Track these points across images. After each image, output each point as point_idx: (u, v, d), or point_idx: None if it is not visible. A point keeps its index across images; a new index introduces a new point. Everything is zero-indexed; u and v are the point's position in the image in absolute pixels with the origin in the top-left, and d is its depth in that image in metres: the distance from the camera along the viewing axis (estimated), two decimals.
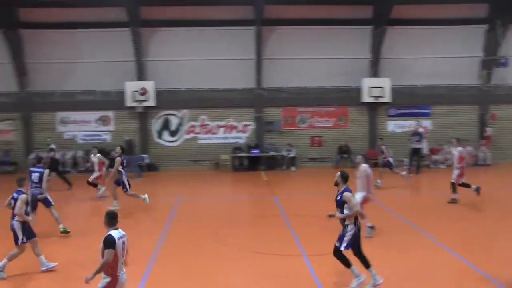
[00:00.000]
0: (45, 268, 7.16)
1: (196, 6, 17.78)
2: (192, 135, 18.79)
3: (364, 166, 8.71)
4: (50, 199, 9.42)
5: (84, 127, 18.67)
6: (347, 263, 6.30)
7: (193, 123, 18.77)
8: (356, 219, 6.34)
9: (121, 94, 18.18)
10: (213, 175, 17.66)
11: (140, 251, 7.57)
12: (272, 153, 18.44)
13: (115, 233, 4.90)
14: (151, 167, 18.39)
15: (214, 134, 18.76)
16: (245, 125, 18.81)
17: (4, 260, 6.99)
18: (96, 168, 12.94)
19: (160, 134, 18.79)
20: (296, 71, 18.46)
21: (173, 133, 18.74)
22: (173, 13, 17.96)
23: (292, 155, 18.28)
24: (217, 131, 18.77)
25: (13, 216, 7.09)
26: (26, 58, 18.11)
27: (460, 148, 11.41)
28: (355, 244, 6.29)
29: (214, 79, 18.35)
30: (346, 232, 6.28)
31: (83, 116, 18.62)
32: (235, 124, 18.80)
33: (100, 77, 18.23)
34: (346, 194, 6.29)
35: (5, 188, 9.27)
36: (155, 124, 18.78)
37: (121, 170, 11.28)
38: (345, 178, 6.44)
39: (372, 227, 8.65)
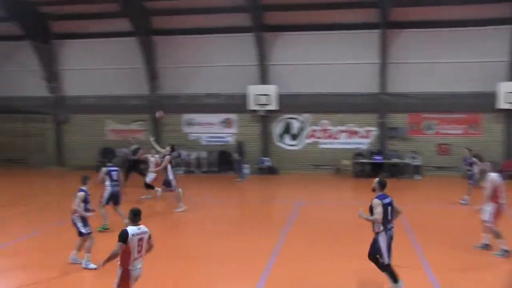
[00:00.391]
0: (80, 264, 8.86)
1: (320, 10, 20.21)
2: (313, 139, 21.48)
3: (493, 175, 9.39)
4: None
5: (208, 129, 22.25)
6: (394, 277, 7.33)
7: (314, 127, 21.43)
8: (385, 227, 7.29)
9: (244, 97, 21.39)
10: (334, 180, 20.25)
11: (259, 252, 9.72)
12: (395, 160, 20.57)
13: (131, 229, 5.99)
14: (272, 170, 21.50)
15: (335, 139, 21.30)
16: (368, 131, 21.11)
17: (86, 255, 8.78)
18: (153, 168, 15.20)
19: (281, 138, 21.77)
20: (423, 76, 20.16)
21: (294, 137, 21.61)
22: (297, 17, 20.46)
23: (416, 162, 20.30)
24: (338, 136, 21.25)
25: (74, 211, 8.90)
26: (157, 63, 22.03)
27: None
28: (390, 252, 7.30)
29: (337, 84, 20.73)
30: (378, 242, 7.27)
31: (207, 118, 22.18)
32: (357, 129, 21.16)
33: (224, 81, 21.56)
34: (374, 200, 7.30)
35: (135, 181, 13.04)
36: (277, 128, 21.78)
37: (169, 169, 13.74)
38: (382, 184, 7.46)
39: (507, 251, 9.08)
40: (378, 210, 7.21)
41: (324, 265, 9.04)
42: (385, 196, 7.43)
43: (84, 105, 23.07)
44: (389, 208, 7.42)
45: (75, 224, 8.93)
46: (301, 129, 21.57)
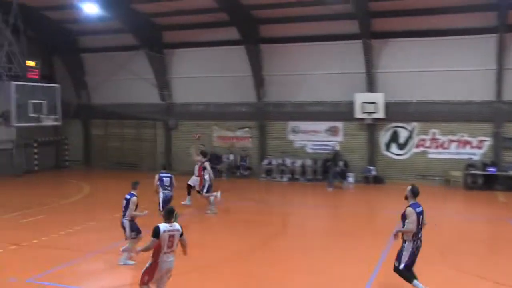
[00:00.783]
0: (122, 263, 11.04)
1: (432, 15, 22.50)
2: (421, 149, 23.73)
3: None
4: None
5: (314, 137, 25.45)
6: (409, 279, 8.48)
7: (423, 136, 23.74)
8: (415, 236, 8.36)
9: (350, 105, 24.32)
10: (443, 191, 22.42)
11: (363, 261, 11.63)
12: None
13: (163, 226, 7.58)
14: (377, 179, 24.23)
15: (445, 149, 23.44)
16: (481, 141, 23.00)
17: (124, 255, 11.10)
18: (196, 172, 16.94)
19: (388, 147, 24.45)
20: None
21: (401, 146, 24.09)
22: (405, 23, 22.76)
23: None
24: (448, 146, 23.35)
25: (124, 214, 10.93)
26: (264, 71, 25.73)
27: None
28: (413, 262, 8.35)
29: (448, 91, 22.77)
30: (403, 249, 8.42)
31: (312, 126, 25.40)
32: (469, 139, 23.08)
33: (330, 88, 24.60)
34: (408, 208, 8.40)
35: (238, 188, 15.50)
36: (383, 136, 24.50)
37: (205, 174, 16.38)
38: (414, 193, 8.65)
39: None
40: (413, 219, 8.40)
41: (431, 280, 9.61)
42: (418, 205, 8.69)
43: (192, 112, 27.41)
44: (421, 217, 8.64)
45: (124, 228, 11.18)
46: (409, 138, 23.91)
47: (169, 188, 14.63)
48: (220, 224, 16.10)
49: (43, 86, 21.83)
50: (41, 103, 21.10)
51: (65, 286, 10.36)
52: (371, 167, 24.12)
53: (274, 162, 25.53)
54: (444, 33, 22.48)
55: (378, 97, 23.54)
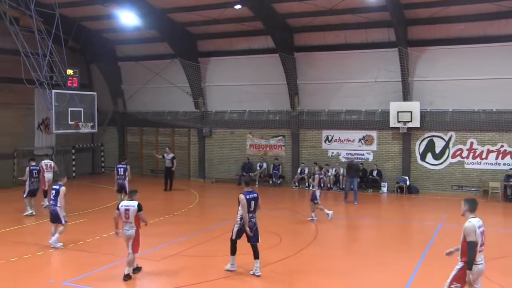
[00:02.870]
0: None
1: (468, 23, 22.35)
2: (458, 159, 23.47)
3: None
4: None
5: (347, 146, 25.50)
6: None
7: (460, 146, 23.51)
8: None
9: (385, 114, 24.34)
10: (480, 203, 22.14)
11: (397, 272, 11.84)
12: None
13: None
14: (412, 189, 24.08)
15: (483, 159, 23.09)
16: None
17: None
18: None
19: (423, 156, 24.31)
20: None
21: (437, 156, 23.88)
22: (443, 31, 22.68)
23: None
24: (487, 156, 23.08)
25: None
26: (298, 79, 25.94)
27: None
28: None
29: (486, 100, 22.43)
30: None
31: (347, 135, 25.50)
32: (509, 149, 22.85)
33: (365, 97, 24.61)
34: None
35: (270, 196, 15.69)
36: (419, 146, 24.37)
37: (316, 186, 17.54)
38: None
39: None
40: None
41: None
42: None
43: (226, 120, 27.83)
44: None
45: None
46: (445, 148, 23.73)
47: (123, 177, 18.84)
48: None
49: (81, 94, 22.53)
50: (79, 110, 21.76)
51: None
52: (405, 177, 23.97)
53: (306, 170, 25.60)
54: (483, 40, 22.34)
55: (414, 106, 23.46)
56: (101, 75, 30.21)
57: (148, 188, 23.08)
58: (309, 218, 17.78)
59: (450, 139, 23.63)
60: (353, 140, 25.24)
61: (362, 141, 25.11)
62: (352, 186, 21.54)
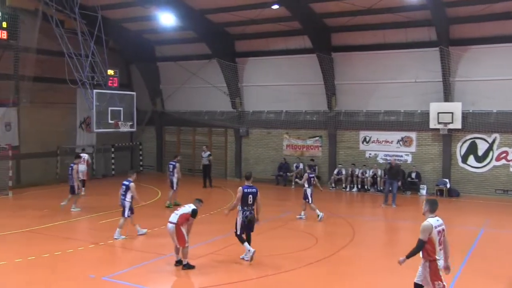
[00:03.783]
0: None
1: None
2: (503, 162, 22.79)
3: None
4: None
5: (385, 147, 25.28)
6: None
7: (505, 148, 22.80)
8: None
9: (425, 115, 24.00)
10: None
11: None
12: None
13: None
14: (452, 193, 23.66)
15: None
16: None
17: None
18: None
19: (465, 159, 23.88)
20: None
21: (479, 159, 23.33)
22: (487, 29, 22.08)
23: None
24: None
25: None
26: (336, 80, 25.88)
27: None
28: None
29: None
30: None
31: (385, 136, 25.28)
32: None
33: (404, 98, 24.32)
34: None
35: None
36: (460, 148, 23.95)
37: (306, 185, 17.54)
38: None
39: None
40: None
41: None
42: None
43: (263, 120, 28.00)
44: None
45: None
46: (489, 150, 23.18)
47: (171, 174, 19.90)
48: (287, 233, 16.39)
49: (121, 93, 23.07)
50: (118, 110, 22.29)
51: (139, 286, 11.02)
52: (445, 180, 23.62)
53: (343, 171, 25.53)
54: None
55: (455, 107, 23.06)
56: (140, 75, 30.82)
57: (187, 187, 23.42)
58: (298, 216, 17.99)
59: (494, 141, 23.11)
60: (392, 141, 25.02)
61: (401, 142, 24.87)
62: (391, 189, 21.29)
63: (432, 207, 8.46)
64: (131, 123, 22.97)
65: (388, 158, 24.39)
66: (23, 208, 20.13)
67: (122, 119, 22.38)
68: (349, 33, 24.87)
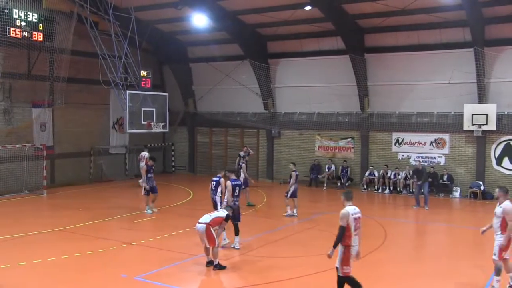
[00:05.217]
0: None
1: None
2: None
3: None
4: None
5: (418, 149, 24.82)
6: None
7: None
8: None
9: (458, 116, 23.49)
10: None
11: (473, 276, 11.25)
12: None
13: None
14: (486, 195, 23.07)
15: None
16: None
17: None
18: None
19: (499, 161, 23.26)
20: None
21: None
22: None
23: None
24: None
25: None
26: (368, 81, 25.55)
27: None
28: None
29: None
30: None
31: (417, 138, 24.81)
32: None
33: (437, 99, 23.89)
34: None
35: (338, 198, 15.55)
36: (495, 150, 23.35)
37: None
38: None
39: None
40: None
41: None
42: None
43: (295, 121, 27.84)
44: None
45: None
46: None
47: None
48: (318, 234, 16.22)
49: (154, 94, 23.23)
50: (151, 110, 22.44)
51: (170, 286, 11.04)
52: (479, 182, 23.08)
53: (376, 173, 25.19)
54: None
55: (490, 108, 22.52)
56: (173, 76, 31.03)
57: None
58: (285, 214, 18.41)
59: None
60: (424, 143, 24.57)
61: (434, 144, 24.40)
62: (422, 191, 20.89)
63: (347, 196, 9.34)
64: (163, 123, 23.10)
65: (415, 161, 23.70)
66: (57, 207, 20.47)
67: (154, 120, 22.53)
68: (383, 34, 24.55)
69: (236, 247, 13.40)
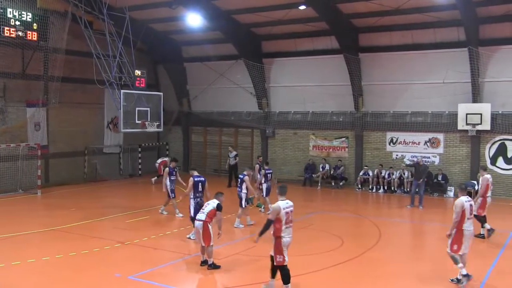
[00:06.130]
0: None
1: None
2: None
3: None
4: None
5: (412, 148, 24.88)
6: None
7: None
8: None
9: (452, 116, 23.56)
10: None
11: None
12: None
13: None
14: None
15: None
16: None
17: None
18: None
19: (494, 160, 23.35)
20: None
21: (509, 161, 22.79)
22: None
23: None
24: None
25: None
26: (363, 80, 25.61)
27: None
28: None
29: None
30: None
31: (412, 137, 24.88)
32: None
33: (432, 98, 23.95)
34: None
35: (332, 198, 15.51)
36: (489, 150, 23.43)
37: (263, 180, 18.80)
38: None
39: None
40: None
41: None
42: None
43: (289, 120, 27.88)
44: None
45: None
46: None
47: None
48: (313, 234, 16.27)
49: (148, 94, 23.21)
50: (146, 110, 22.42)
51: (164, 286, 11.04)
52: (474, 182, 23.13)
53: (370, 173, 25.27)
54: None
55: (484, 108, 22.60)
56: (167, 76, 31.02)
57: (213, 186, 23.38)
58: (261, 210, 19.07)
59: None
60: (419, 142, 24.66)
61: (428, 143, 24.50)
62: (417, 190, 20.96)
63: (281, 191, 9.94)
64: (158, 123, 23.07)
65: (416, 159, 23.76)
66: (51, 207, 20.44)
67: (149, 119, 22.49)
68: (377, 34, 24.62)
69: (192, 238, 14.28)
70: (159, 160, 27.15)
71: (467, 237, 10.80)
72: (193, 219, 13.57)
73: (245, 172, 16.36)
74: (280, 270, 9.86)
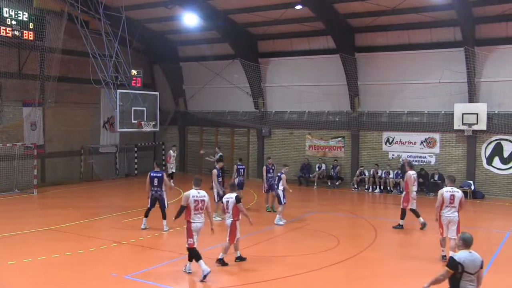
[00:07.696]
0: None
1: None
2: None
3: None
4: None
5: (409, 148, 24.97)
6: None
7: None
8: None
9: (449, 116, 23.65)
10: None
11: None
12: None
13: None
14: (477, 195, 23.22)
15: None
16: None
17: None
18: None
19: (490, 160, 23.43)
20: None
21: (505, 160, 22.83)
22: None
23: None
24: None
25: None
26: (359, 80, 25.66)
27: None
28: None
29: None
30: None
31: (408, 137, 24.96)
32: None
33: (428, 99, 23.98)
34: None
35: (329, 198, 15.49)
36: (485, 149, 23.52)
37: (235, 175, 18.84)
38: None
39: None
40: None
41: None
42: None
43: (285, 120, 27.92)
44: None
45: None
46: None
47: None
48: (309, 234, 16.30)
49: (144, 93, 23.23)
50: (142, 110, 22.43)
51: (160, 286, 11.06)
52: (470, 182, 23.26)
53: (366, 173, 25.33)
54: None
55: (480, 108, 22.68)
56: (163, 75, 31.05)
57: (207, 185, 23.41)
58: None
59: None
60: (415, 142, 24.74)
61: (424, 143, 24.57)
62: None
63: (195, 182, 11.30)
64: (154, 123, 23.10)
65: (412, 159, 23.92)
66: (47, 206, 20.44)
67: (145, 119, 22.53)
68: (373, 34, 24.71)
69: (164, 230, 15.66)
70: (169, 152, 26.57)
71: (445, 222, 12.30)
72: (149, 210, 15.58)
73: (282, 171, 17.11)
74: (190, 251, 11.02)
